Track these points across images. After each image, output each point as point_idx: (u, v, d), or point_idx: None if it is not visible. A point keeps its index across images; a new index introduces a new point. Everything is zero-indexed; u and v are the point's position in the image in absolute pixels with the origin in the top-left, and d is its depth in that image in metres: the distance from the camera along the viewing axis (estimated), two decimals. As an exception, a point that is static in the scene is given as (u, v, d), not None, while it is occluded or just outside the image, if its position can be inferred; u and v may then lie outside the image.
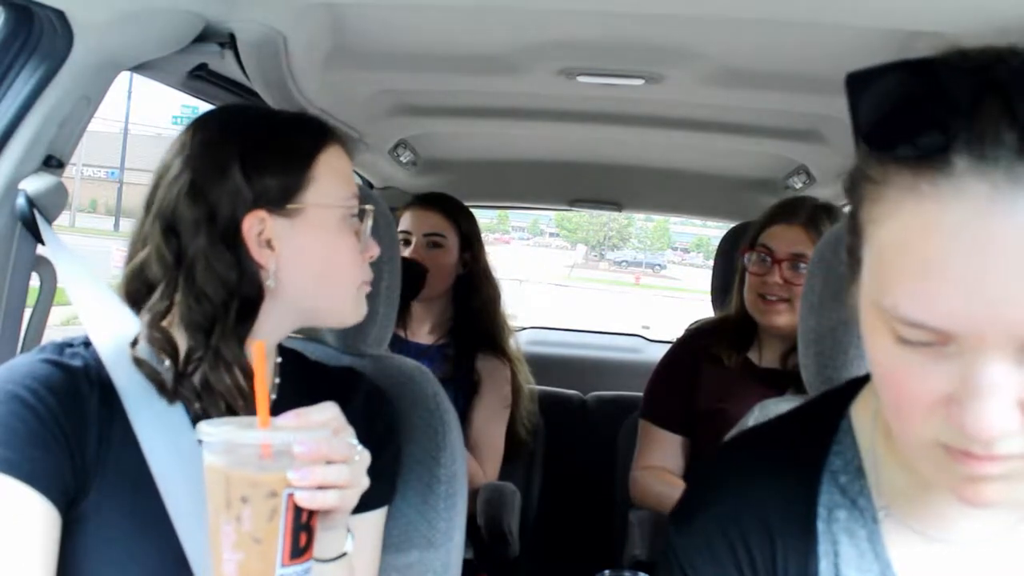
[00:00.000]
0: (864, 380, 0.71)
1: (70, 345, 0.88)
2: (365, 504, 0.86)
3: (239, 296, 0.86)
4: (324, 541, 0.79)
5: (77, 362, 0.85)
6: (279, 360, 0.97)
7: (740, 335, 1.74)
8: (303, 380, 0.98)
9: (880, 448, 0.66)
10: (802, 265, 1.61)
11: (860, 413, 0.69)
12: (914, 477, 0.63)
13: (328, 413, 0.74)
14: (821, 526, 0.66)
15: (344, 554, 0.83)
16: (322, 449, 0.70)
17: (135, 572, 0.82)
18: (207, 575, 0.81)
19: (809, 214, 1.66)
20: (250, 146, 0.88)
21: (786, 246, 1.63)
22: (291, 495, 0.68)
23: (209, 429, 0.69)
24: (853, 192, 0.57)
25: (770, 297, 1.63)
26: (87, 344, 0.88)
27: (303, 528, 0.69)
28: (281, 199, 0.87)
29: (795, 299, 1.60)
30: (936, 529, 0.64)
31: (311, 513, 0.70)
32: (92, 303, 0.94)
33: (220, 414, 0.86)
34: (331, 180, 0.90)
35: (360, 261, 0.93)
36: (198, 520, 0.82)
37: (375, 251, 0.95)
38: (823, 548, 0.65)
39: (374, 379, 1.06)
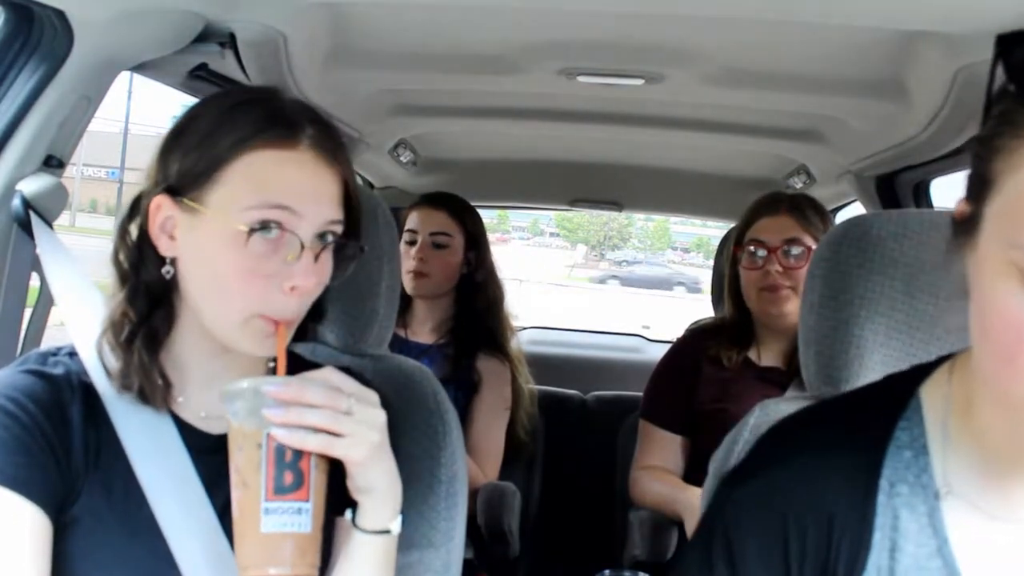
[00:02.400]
0: (934, 365, 0.73)
1: (54, 354, 0.87)
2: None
3: (139, 278, 0.84)
4: (366, 511, 0.82)
5: (59, 370, 0.84)
6: (271, 364, 0.94)
7: (739, 335, 1.74)
8: None
9: (952, 428, 0.68)
10: (796, 250, 1.63)
11: (930, 393, 0.71)
12: (983, 457, 0.66)
13: (327, 374, 0.78)
14: (882, 498, 0.68)
15: (387, 531, 0.84)
16: (291, 390, 0.74)
17: (126, 575, 0.81)
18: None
19: (790, 202, 1.70)
20: (179, 127, 0.84)
21: (778, 235, 1.65)
22: (271, 434, 0.74)
23: (227, 385, 0.76)
24: (984, 147, 0.61)
25: (773, 285, 1.64)
26: (72, 354, 0.87)
27: (288, 467, 0.75)
28: (180, 190, 0.81)
29: (797, 285, 1.61)
30: (1000, 508, 0.66)
31: (299, 454, 0.75)
32: (79, 307, 0.94)
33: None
34: (240, 187, 0.80)
35: (254, 289, 0.80)
36: (186, 523, 0.82)
37: (298, 283, 0.80)
38: (880, 520, 0.67)
39: (374, 379, 1.06)
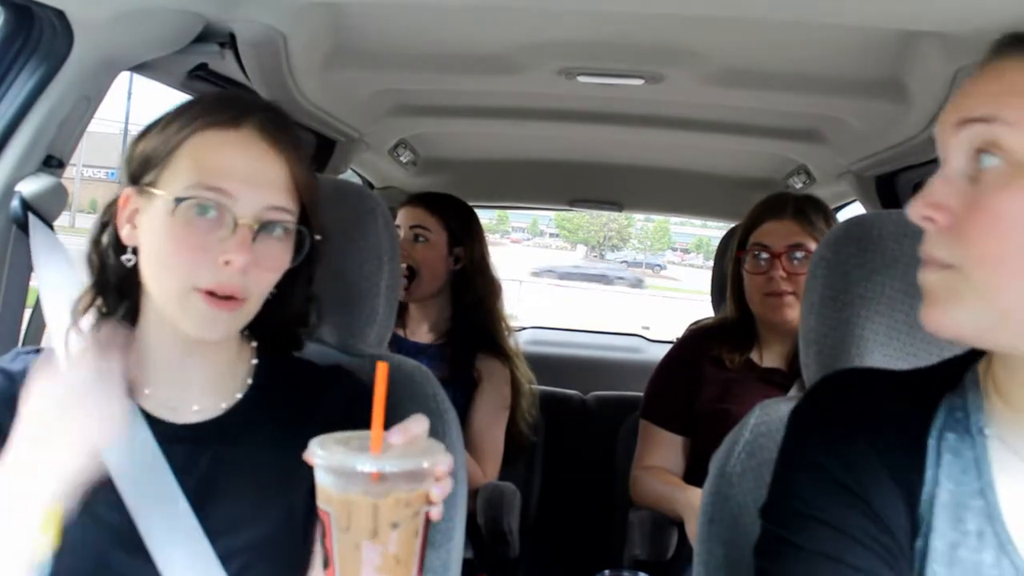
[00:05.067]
0: None
1: (28, 352, 0.90)
2: None
3: (104, 270, 0.88)
4: None
5: (18, 366, 0.87)
6: (254, 362, 0.96)
7: (741, 336, 1.74)
8: (281, 380, 0.96)
9: (993, 392, 0.71)
10: (799, 255, 1.63)
11: (982, 364, 0.74)
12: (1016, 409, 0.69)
13: (425, 424, 0.72)
14: (931, 443, 0.71)
15: None
16: (447, 463, 0.69)
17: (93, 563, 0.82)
18: (170, 566, 0.82)
19: (796, 206, 1.69)
20: (147, 126, 0.88)
21: (782, 240, 1.65)
22: (427, 511, 0.68)
23: (335, 460, 0.64)
24: None
25: (776, 291, 1.63)
26: (39, 350, 0.90)
27: (427, 540, 0.70)
28: (140, 178, 0.86)
29: (800, 290, 1.61)
30: None
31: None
32: (62, 306, 0.96)
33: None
34: (186, 166, 0.83)
35: (187, 261, 0.82)
36: (154, 507, 0.83)
37: (232, 258, 0.81)
38: (929, 459, 0.71)
39: (373, 379, 1.05)
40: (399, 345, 1.88)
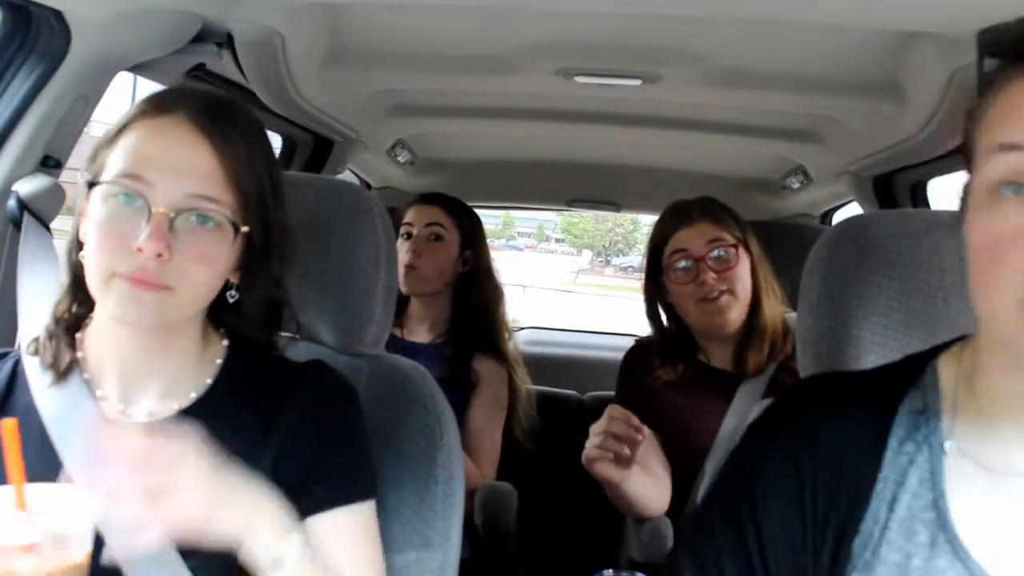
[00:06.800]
0: (950, 343, 0.77)
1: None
2: (325, 503, 0.88)
3: (70, 268, 0.90)
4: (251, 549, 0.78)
5: None
6: (219, 361, 0.94)
7: (682, 350, 1.71)
8: (246, 380, 0.94)
9: (961, 392, 0.72)
10: (721, 251, 1.60)
11: (946, 364, 0.75)
12: (983, 415, 0.69)
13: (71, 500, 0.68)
14: (889, 454, 0.71)
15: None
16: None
17: None
18: (133, 564, 0.80)
19: (699, 207, 1.66)
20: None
21: (699, 240, 1.62)
22: None
23: None
24: (969, 118, 0.67)
25: (712, 295, 1.60)
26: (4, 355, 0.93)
27: None
28: (94, 180, 0.86)
29: (733, 286, 1.60)
30: (999, 461, 0.68)
31: None
32: (39, 308, 0.97)
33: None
34: (116, 159, 0.84)
35: (112, 249, 0.82)
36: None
37: (142, 245, 0.80)
38: (884, 473, 0.71)
39: (371, 379, 1.05)
40: (396, 345, 1.88)
